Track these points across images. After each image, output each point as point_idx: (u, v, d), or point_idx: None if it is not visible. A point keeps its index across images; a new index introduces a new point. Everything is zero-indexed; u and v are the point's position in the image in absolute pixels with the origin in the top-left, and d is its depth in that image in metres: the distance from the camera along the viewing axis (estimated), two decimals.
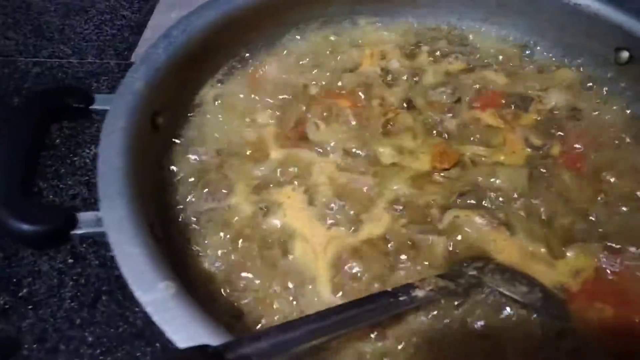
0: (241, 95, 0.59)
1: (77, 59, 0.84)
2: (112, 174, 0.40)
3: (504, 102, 0.59)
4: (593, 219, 0.48)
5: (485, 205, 0.49)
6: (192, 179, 0.51)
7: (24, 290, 0.56)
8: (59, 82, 0.80)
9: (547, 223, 0.48)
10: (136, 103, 0.46)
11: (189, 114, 0.55)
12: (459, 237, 0.47)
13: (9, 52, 0.85)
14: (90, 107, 0.47)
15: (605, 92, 0.59)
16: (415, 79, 0.62)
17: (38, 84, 0.80)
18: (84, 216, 0.40)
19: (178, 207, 0.49)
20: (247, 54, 0.62)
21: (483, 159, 0.53)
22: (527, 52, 0.65)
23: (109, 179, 0.40)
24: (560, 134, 0.55)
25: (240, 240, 0.46)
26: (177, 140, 0.53)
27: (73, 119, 0.59)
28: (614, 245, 0.46)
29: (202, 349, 0.30)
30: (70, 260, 0.59)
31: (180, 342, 0.32)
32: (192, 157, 0.52)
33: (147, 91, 0.48)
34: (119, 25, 0.91)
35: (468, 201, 0.49)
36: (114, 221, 0.38)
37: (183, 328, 0.33)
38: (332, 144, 0.54)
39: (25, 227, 0.37)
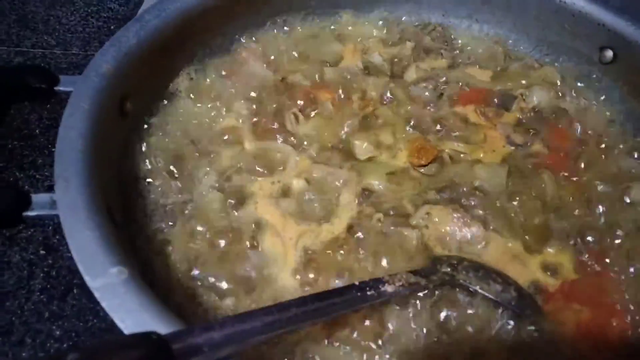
0: (217, 85, 0.57)
1: (61, 50, 0.83)
2: (70, 155, 0.39)
3: (486, 99, 0.57)
4: (572, 217, 0.47)
5: (462, 201, 0.47)
6: (160, 166, 0.49)
7: None
8: None
9: (524, 221, 0.46)
10: (102, 85, 0.45)
11: (161, 101, 0.54)
12: (433, 233, 0.45)
13: None
14: (55, 87, 0.45)
15: (589, 91, 0.58)
16: (396, 74, 0.60)
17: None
18: (38, 198, 0.38)
19: (143, 194, 0.47)
20: (225, 43, 0.60)
21: (462, 155, 0.52)
22: (511, 50, 0.64)
23: (66, 160, 0.38)
24: (542, 134, 0.54)
25: (206, 231, 0.44)
26: (146, 126, 0.51)
27: (36, 100, 0.57)
28: (592, 245, 0.45)
29: (147, 336, 0.28)
30: (42, 252, 0.57)
31: (127, 330, 0.30)
32: (162, 144, 0.50)
33: (115, 74, 0.46)
34: (105, 18, 0.90)
35: (444, 197, 0.48)
36: (67, 203, 0.36)
37: (131, 315, 0.31)
38: (309, 137, 0.53)
39: None
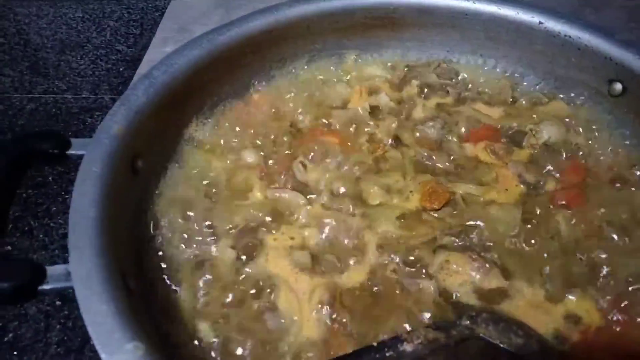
0: (226, 134, 0.58)
1: (72, 95, 0.84)
2: (83, 223, 0.39)
3: (496, 136, 0.57)
4: (592, 261, 0.45)
5: (478, 247, 0.47)
6: (172, 224, 0.49)
7: (9, 335, 0.54)
8: (53, 118, 0.79)
9: (543, 266, 0.45)
10: (114, 147, 0.45)
11: (171, 155, 0.54)
12: (450, 282, 0.44)
13: (4, 89, 0.85)
14: (67, 152, 0.45)
15: (599, 125, 0.58)
16: (404, 114, 0.60)
17: (32, 121, 0.80)
18: (53, 270, 0.38)
19: (156, 255, 0.47)
20: (232, 92, 0.61)
21: (475, 197, 0.51)
22: (518, 84, 0.63)
23: (80, 230, 0.38)
24: (554, 170, 0.54)
25: (221, 291, 0.44)
26: (157, 183, 0.51)
27: (49, 164, 0.57)
28: (611, 288, 0.44)
29: None
30: (58, 302, 0.57)
31: None
32: (173, 199, 0.50)
33: (126, 134, 0.47)
34: (114, 60, 0.92)
35: (459, 242, 0.47)
36: (81, 275, 0.36)
37: None
38: (319, 184, 0.53)
39: None
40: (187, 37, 0.94)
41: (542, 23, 0.59)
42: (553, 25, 0.58)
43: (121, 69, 0.90)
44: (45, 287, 0.37)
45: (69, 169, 0.67)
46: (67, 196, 0.66)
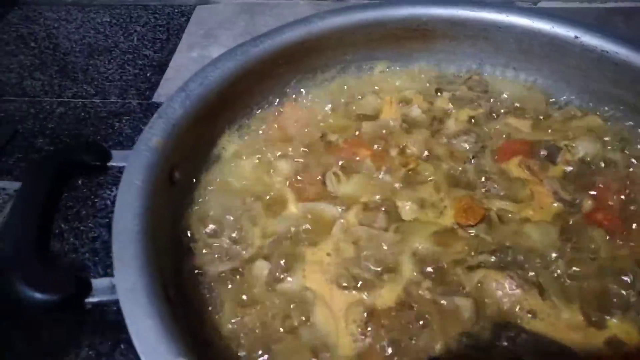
0: (259, 145, 0.58)
1: (100, 99, 0.85)
2: (127, 236, 0.39)
3: (530, 151, 0.57)
4: (633, 282, 0.45)
5: (514, 265, 0.46)
6: (207, 235, 0.49)
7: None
8: (82, 122, 0.80)
9: (582, 287, 0.45)
10: (153, 160, 0.46)
11: (206, 166, 0.55)
12: (488, 301, 0.44)
13: (35, 93, 0.86)
14: (108, 163, 0.46)
15: (636, 142, 0.57)
16: (436, 127, 0.60)
17: (61, 124, 0.80)
18: (98, 283, 0.38)
19: (193, 266, 0.47)
20: (265, 103, 0.61)
21: (510, 214, 0.51)
22: (551, 98, 0.63)
23: (124, 242, 0.39)
24: (590, 188, 0.53)
25: (256, 304, 0.44)
26: (192, 194, 0.52)
27: (90, 176, 0.58)
28: None
29: None
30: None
31: None
32: (208, 211, 0.51)
33: (165, 146, 0.47)
34: (141, 65, 0.92)
35: (496, 260, 0.47)
36: (127, 289, 0.37)
37: None
38: (351, 197, 0.53)
39: (37, 295, 0.36)
40: (213, 42, 0.97)
41: (577, 37, 0.58)
42: (589, 39, 0.58)
43: (148, 74, 0.90)
44: (92, 299, 0.37)
45: (109, 181, 0.67)
46: (96, 200, 0.67)
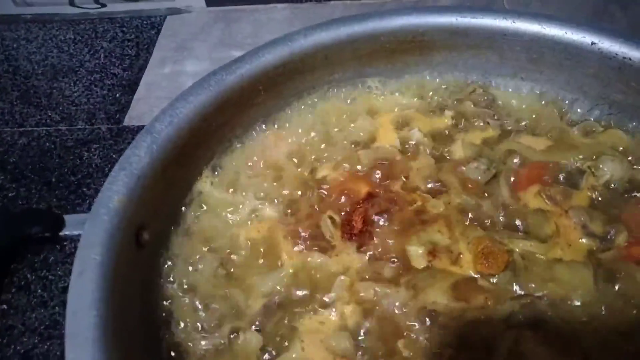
0: (240, 185, 0.51)
1: (67, 126, 0.78)
2: (82, 337, 0.32)
3: (549, 177, 0.50)
4: None
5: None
6: (185, 305, 0.42)
7: None
8: (47, 154, 0.73)
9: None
10: (114, 224, 0.38)
11: (179, 219, 0.47)
12: None
13: None
14: (61, 233, 0.38)
15: None
16: (441, 153, 0.53)
17: (24, 158, 0.73)
18: None
19: (170, 344, 0.40)
20: (245, 135, 0.54)
21: (536, 256, 0.44)
22: (566, 111, 0.56)
23: (80, 346, 0.31)
24: (622, 216, 0.46)
25: None
26: (165, 255, 0.44)
27: (42, 246, 0.50)
28: None
29: None
30: None
31: None
32: (186, 275, 0.43)
33: (128, 205, 0.40)
34: (110, 85, 0.84)
35: (527, 316, 0.40)
36: None
37: None
38: (353, 246, 0.46)
39: None
40: (187, 56, 0.89)
41: (595, 44, 0.51)
42: (609, 45, 0.51)
43: (118, 95, 0.83)
44: None
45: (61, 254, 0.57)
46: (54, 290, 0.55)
